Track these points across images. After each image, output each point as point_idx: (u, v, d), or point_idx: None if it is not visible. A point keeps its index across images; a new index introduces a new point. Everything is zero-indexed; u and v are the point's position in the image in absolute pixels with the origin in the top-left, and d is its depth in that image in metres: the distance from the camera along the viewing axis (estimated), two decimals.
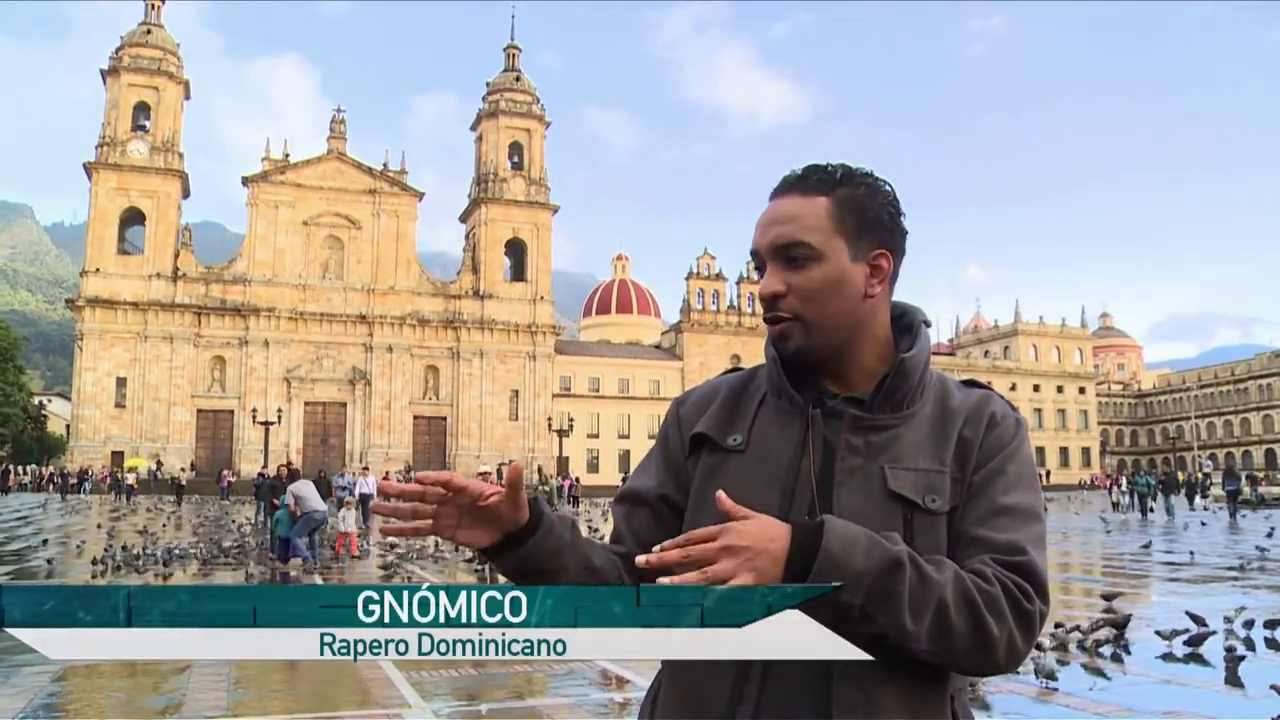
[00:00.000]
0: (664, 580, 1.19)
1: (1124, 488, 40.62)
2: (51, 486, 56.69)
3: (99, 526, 26.98)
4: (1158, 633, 8.58)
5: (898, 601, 1.28)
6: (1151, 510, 33.92)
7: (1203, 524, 28.93)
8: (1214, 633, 8.51)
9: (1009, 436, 1.51)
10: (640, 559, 1.24)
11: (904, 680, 1.37)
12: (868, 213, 1.52)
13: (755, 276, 1.56)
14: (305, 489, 17.12)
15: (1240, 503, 35.87)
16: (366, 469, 26.53)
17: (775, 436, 1.51)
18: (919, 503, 1.43)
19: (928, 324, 1.58)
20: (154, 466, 61.86)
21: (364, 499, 30.80)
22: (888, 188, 1.55)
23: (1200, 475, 52.09)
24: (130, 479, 47.74)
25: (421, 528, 1.37)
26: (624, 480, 1.71)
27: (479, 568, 16.54)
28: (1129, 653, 8.25)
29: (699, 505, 1.53)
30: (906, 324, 1.57)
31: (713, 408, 1.60)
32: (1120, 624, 8.65)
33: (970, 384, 1.61)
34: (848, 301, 1.49)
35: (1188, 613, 9.21)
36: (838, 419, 1.50)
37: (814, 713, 1.37)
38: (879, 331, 1.54)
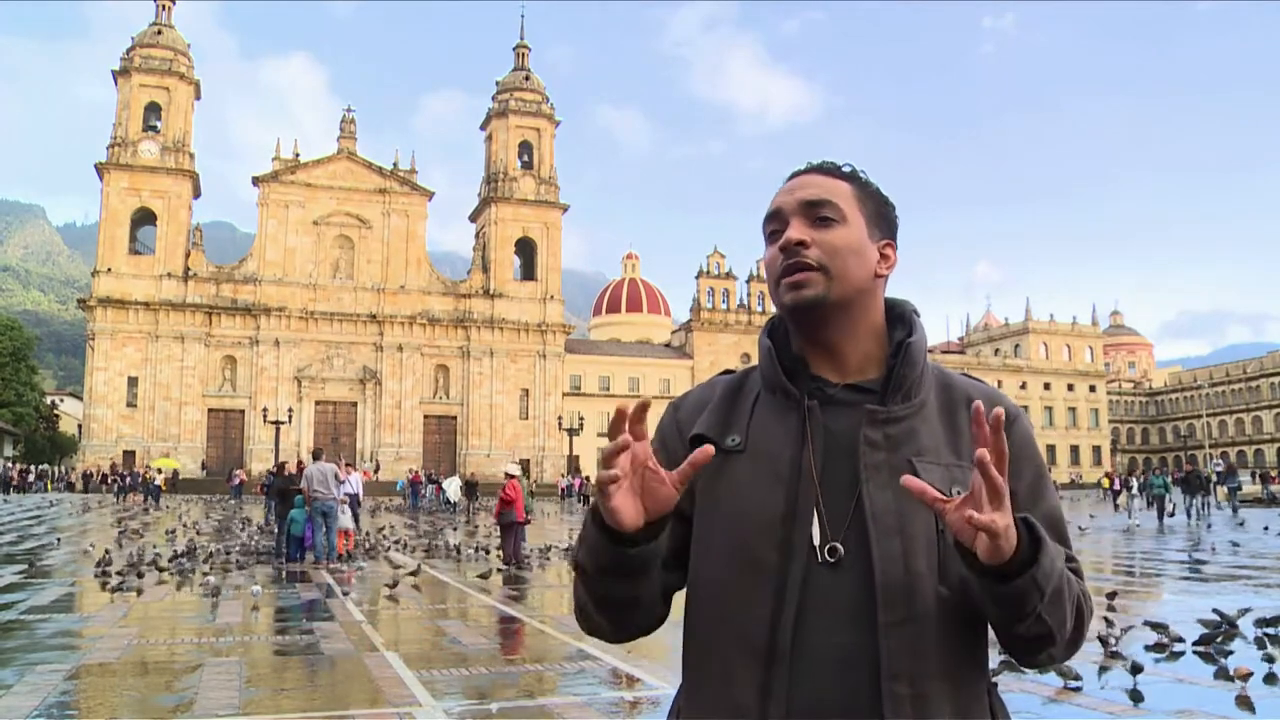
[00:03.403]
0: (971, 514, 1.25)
1: (1134, 489, 36.49)
2: (106, 486, 56.38)
3: (116, 524, 27.09)
4: (1158, 632, 8.55)
5: (1062, 600, 1.38)
6: (1171, 514, 30.84)
7: (1240, 524, 28.74)
8: (1222, 633, 8.47)
9: (1030, 437, 1.59)
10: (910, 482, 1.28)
11: (951, 674, 1.40)
12: (880, 205, 1.61)
13: (765, 255, 1.59)
14: (314, 473, 17.10)
15: (1242, 500, 35.04)
16: (350, 465, 25.72)
17: (773, 432, 1.51)
18: (948, 495, 1.44)
19: (918, 314, 1.62)
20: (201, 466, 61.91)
21: (350, 499, 30.32)
22: (893, 202, 1.65)
23: (1212, 474, 50.48)
24: (159, 479, 47.84)
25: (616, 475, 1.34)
26: None
27: (484, 573, 16.55)
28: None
29: (706, 509, 1.54)
30: (899, 314, 1.61)
31: (709, 409, 1.60)
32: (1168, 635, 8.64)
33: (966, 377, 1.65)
34: (865, 269, 1.55)
35: (1215, 610, 9.16)
36: (838, 408, 1.51)
37: (851, 709, 1.37)
38: (876, 316, 1.58)
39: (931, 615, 1.39)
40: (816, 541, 1.43)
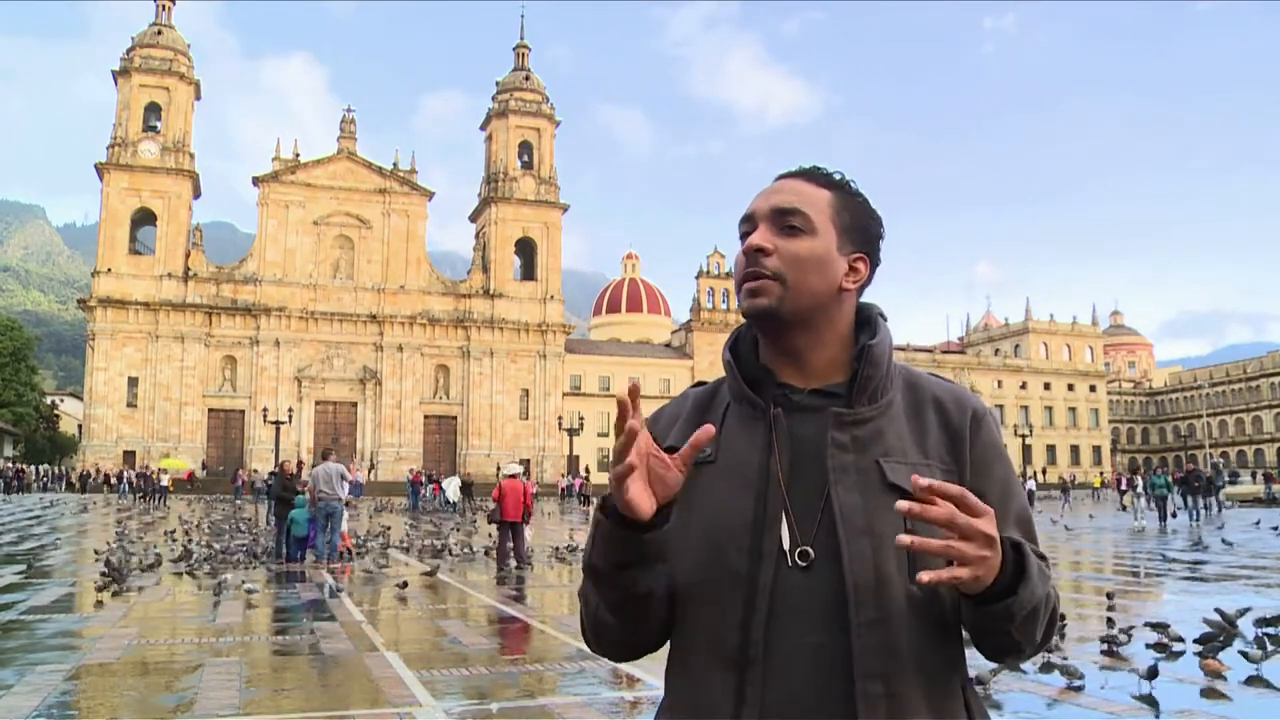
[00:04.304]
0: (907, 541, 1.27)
1: (1139, 489, 34.75)
2: (110, 486, 55.96)
3: (118, 525, 27.07)
4: (1158, 632, 8.55)
5: (1037, 618, 1.41)
6: (1174, 515, 30.42)
7: (1221, 527, 28.65)
8: (1221, 634, 8.47)
9: (998, 436, 1.59)
10: (903, 540, 1.27)
11: (924, 673, 1.41)
12: (860, 218, 1.60)
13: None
14: (319, 473, 17.10)
15: (1240, 500, 34.47)
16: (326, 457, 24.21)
17: (742, 442, 1.53)
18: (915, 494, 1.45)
19: (884, 317, 1.62)
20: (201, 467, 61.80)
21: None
22: (879, 215, 1.64)
23: (1213, 474, 49.89)
24: (166, 479, 47.78)
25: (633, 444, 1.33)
26: None
27: (514, 566, 16.55)
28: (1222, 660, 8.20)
29: (680, 519, 1.53)
30: (865, 318, 1.61)
31: (680, 422, 1.62)
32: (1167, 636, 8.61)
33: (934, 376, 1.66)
34: (827, 282, 1.54)
35: (1217, 610, 9.15)
36: (804, 414, 1.52)
37: (823, 709, 1.39)
38: (843, 325, 1.58)
39: (903, 614, 1.41)
40: (786, 546, 1.44)
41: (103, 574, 13.76)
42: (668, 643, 1.57)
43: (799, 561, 1.44)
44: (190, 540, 20.69)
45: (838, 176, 1.61)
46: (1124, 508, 39.92)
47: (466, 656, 8.59)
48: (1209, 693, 6.87)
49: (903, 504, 1.28)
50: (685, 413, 1.63)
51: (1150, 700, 6.54)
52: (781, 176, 1.62)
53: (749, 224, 1.58)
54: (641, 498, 1.35)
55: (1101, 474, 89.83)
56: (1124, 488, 45.20)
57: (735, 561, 1.46)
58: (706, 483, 1.52)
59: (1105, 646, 8.34)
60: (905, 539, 1.27)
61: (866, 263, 1.59)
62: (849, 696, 1.38)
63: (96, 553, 17.22)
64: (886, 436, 1.50)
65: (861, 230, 1.59)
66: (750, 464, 1.50)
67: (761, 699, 1.40)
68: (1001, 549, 1.32)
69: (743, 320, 1.62)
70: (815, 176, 1.60)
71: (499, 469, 65.88)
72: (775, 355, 1.58)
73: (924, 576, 1.27)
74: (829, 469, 1.47)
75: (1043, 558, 1.50)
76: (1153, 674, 6.63)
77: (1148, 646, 8.34)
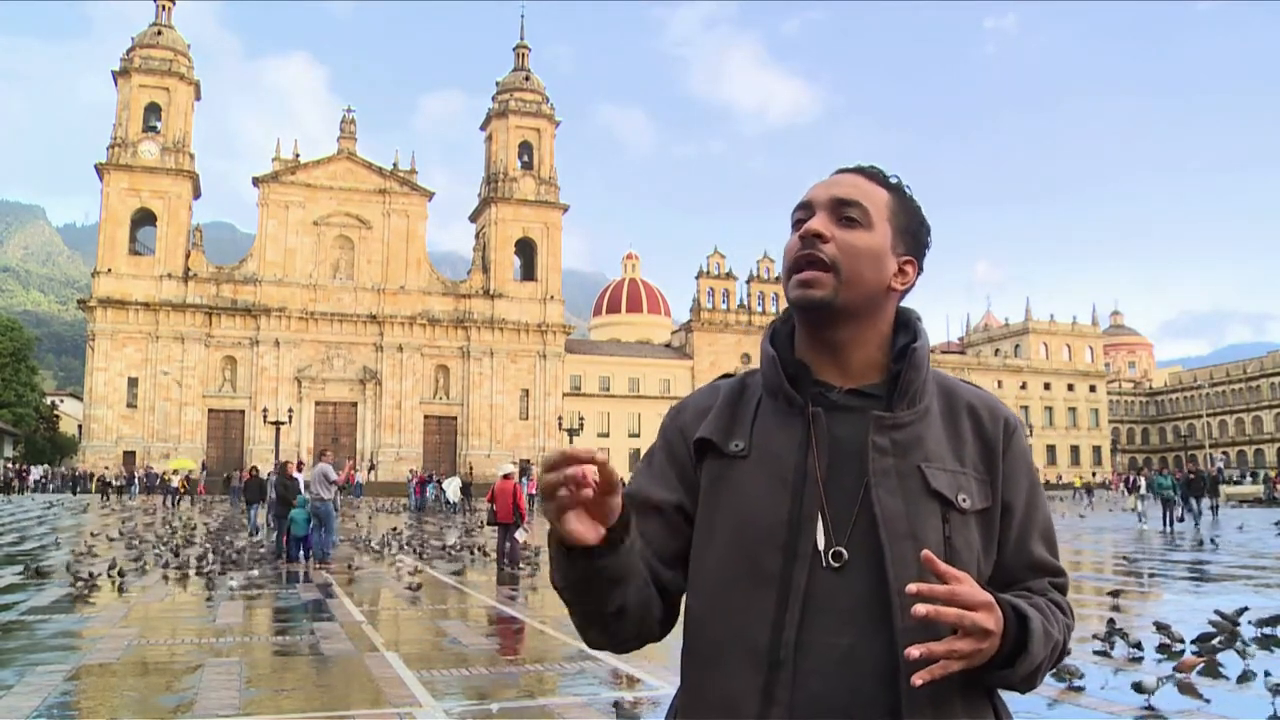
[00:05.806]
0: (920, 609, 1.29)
1: (1143, 490, 33.96)
2: (111, 487, 55.79)
3: (121, 525, 27.05)
4: (1161, 634, 8.55)
5: (1037, 670, 1.44)
6: (1181, 519, 29.94)
7: (1240, 528, 28.63)
8: (1219, 634, 8.47)
9: (1027, 447, 1.60)
10: (919, 609, 1.29)
11: (960, 673, 1.38)
12: (913, 222, 1.61)
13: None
14: (314, 474, 17.11)
15: (1241, 500, 34.41)
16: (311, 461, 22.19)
17: (777, 438, 1.52)
18: (954, 501, 1.47)
19: (920, 320, 1.62)
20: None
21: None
22: (929, 224, 1.66)
23: (1215, 474, 49.53)
24: (176, 481, 47.66)
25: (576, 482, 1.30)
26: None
27: (508, 567, 16.55)
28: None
29: (708, 512, 1.54)
30: (903, 320, 1.61)
31: (712, 413, 1.60)
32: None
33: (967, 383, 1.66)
34: (879, 278, 1.54)
35: (1218, 611, 9.15)
36: (842, 413, 1.51)
37: (852, 708, 1.38)
38: (885, 325, 1.58)
39: None
40: (821, 546, 1.44)
41: (99, 574, 13.78)
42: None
43: (833, 562, 1.43)
44: (181, 544, 20.69)
45: (894, 180, 1.62)
46: (1131, 509, 39.71)
47: (466, 657, 8.60)
48: (1192, 692, 6.89)
49: (912, 587, 1.32)
50: (718, 405, 1.62)
51: (1077, 674, 6.82)
52: (840, 171, 1.63)
53: (806, 211, 1.57)
54: (581, 528, 1.33)
55: (1095, 474, 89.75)
56: (1130, 489, 44.80)
57: (769, 560, 1.45)
58: (739, 477, 1.52)
59: (1105, 646, 8.34)
60: (915, 650, 1.30)
61: (915, 267, 1.60)
62: (879, 697, 1.38)
63: (75, 555, 17.21)
64: (926, 442, 1.50)
65: (914, 235, 1.60)
66: (786, 461, 1.49)
67: (790, 699, 1.39)
68: (1005, 622, 1.36)
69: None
70: (873, 175, 1.61)
71: (472, 470, 65.91)
72: (814, 350, 1.57)
73: (917, 680, 1.30)
74: (870, 472, 1.46)
75: (1060, 607, 1.52)
76: (1140, 689, 6.51)
77: (1131, 645, 8.33)
